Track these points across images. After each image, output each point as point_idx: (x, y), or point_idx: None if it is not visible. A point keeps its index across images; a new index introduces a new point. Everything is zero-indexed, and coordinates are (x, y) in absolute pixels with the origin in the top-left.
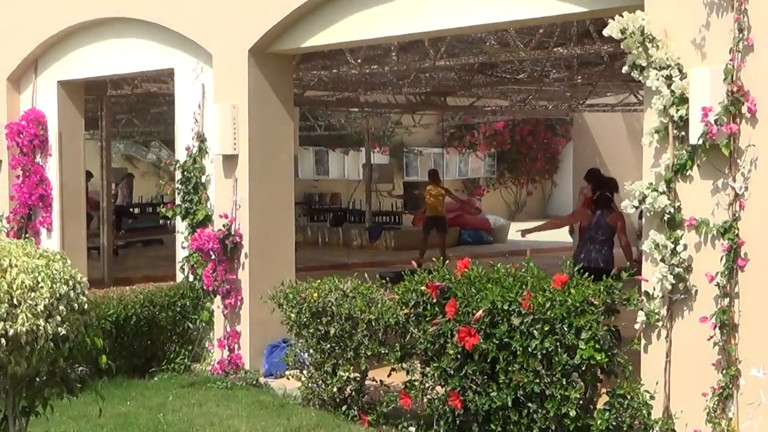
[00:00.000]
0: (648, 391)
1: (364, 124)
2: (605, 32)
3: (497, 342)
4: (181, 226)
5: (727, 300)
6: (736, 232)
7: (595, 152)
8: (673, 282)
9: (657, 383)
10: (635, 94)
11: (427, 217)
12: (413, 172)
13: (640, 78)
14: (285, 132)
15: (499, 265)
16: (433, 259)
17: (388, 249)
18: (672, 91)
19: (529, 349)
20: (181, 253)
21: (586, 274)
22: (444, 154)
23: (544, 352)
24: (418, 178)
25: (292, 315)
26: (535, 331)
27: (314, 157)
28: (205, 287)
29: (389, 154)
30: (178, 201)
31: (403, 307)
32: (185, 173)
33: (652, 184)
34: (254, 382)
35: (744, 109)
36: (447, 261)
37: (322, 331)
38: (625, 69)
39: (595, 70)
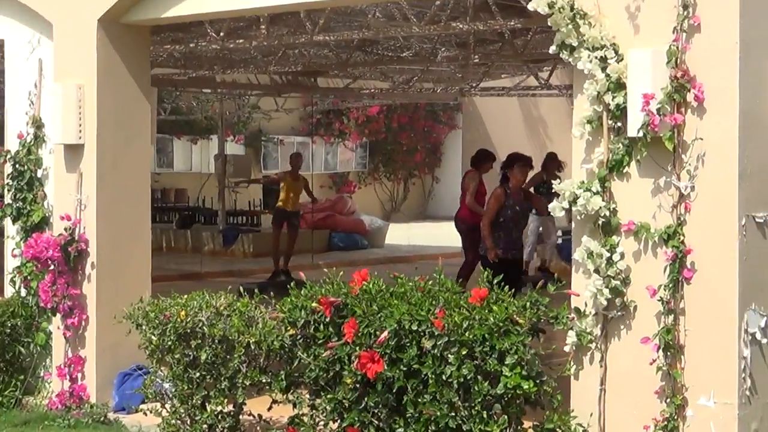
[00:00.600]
0: (581, 425)
1: (217, 108)
2: (530, 6)
3: (405, 369)
4: (11, 230)
5: (671, 317)
6: (681, 238)
7: (487, 142)
8: (609, 296)
9: (591, 415)
10: (535, 76)
11: (278, 209)
12: (273, 164)
13: (570, 59)
14: (141, 117)
15: (403, 277)
16: (325, 269)
17: (246, 255)
18: (607, 75)
19: (443, 377)
20: (11, 263)
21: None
22: (309, 143)
23: (461, 380)
24: (279, 171)
25: (154, 337)
26: (450, 356)
27: (156, 146)
28: (41, 304)
29: (245, 143)
30: (7, 200)
31: (290, 328)
32: (17, 166)
33: (584, 182)
34: (102, 419)
35: (690, 97)
36: (285, 270)
37: (191, 357)
38: (552, 49)
39: (491, 49)
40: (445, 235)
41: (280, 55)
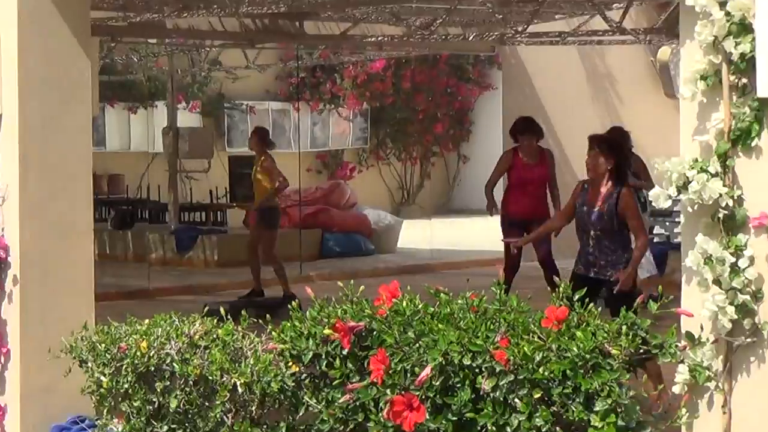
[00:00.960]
0: None
1: (165, 64)
2: None
3: (455, 418)
4: None
5: None
6: None
7: (537, 109)
8: (735, 317)
9: None
10: (603, 16)
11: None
12: (241, 140)
13: None
14: (78, 77)
15: (447, 292)
16: (339, 282)
17: (208, 265)
18: (727, 14)
19: (509, 429)
20: None
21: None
22: (290, 111)
23: None
24: (249, 150)
25: (104, 378)
26: (518, 401)
27: None
28: None
29: (202, 112)
30: None
31: (292, 364)
32: None
33: (697, 161)
34: None
35: None
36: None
37: (156, 404)
38: None
39: None
40: (478, 235)
41: None
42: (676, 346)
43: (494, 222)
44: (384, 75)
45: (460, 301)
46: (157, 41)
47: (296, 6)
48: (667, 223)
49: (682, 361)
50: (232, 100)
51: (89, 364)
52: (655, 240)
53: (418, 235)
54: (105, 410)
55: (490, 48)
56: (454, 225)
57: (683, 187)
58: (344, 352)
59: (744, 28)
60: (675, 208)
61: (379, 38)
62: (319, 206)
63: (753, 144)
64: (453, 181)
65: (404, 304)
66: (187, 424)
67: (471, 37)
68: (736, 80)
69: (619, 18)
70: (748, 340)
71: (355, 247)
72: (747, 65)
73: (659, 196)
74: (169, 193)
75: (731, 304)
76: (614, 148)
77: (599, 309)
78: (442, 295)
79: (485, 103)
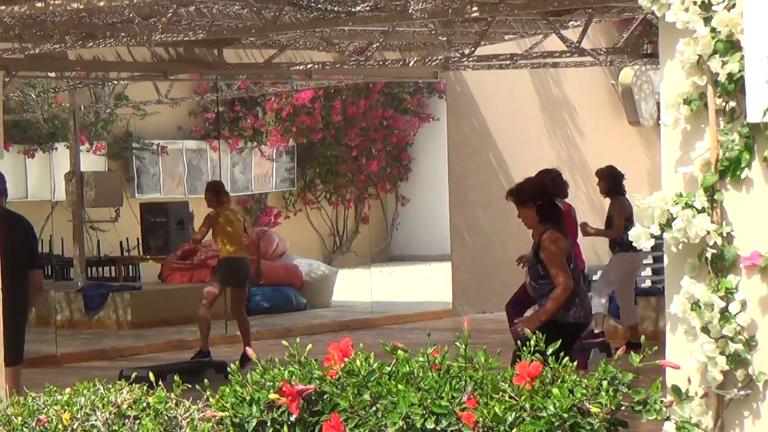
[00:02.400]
0: None
1: (65, 100)
2: None
3: None
4: None
5: None
6: None
7: (486, 142)
8: (726, 368)
9: None
10: (559, 35)
11: (224, 259)
12: (152, 185)
13: (653, 7)
14: None
15: (405, 349)
16: (283, 341)
17: (121, 326)
18: (713, 30)
19: None
20: None
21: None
22: (207, 151)
23: None
24: (162, 196)
25: None
26: None
27: None
28: None
29: (107, 154)
30: None
31: None
32: None
33: (681, 195)
34: None
35: None
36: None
37: None
38: None
39: None
40: (422, 285)
41: (170, 15)
42: (662, 401)
43: (439, 270)
44: (312, 107)
45: (420, 359)
46: (56, 75)
47: (215, 32)
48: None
49: (668, 418)
50: (142, 139)
51: None
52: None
53: (355, 286)
54: None
55: (432, 74)
56: (394, 274)
57: (666, 224)
58: (292, 419)
59: (731, 45)
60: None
61: (308, 66)
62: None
63: (743, 175)
64: (391, 225)
65: (358, 363)
66: None
67: (411, 63)
68: (723, 104)
69: (576, 37)
70: (741, 393)
71: (286, 301)
72: (735, 86)
73: (640, 236)
74: (74, 247)
75: (722, 353)
76: (530, 195)
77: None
78: (399, 352)
79: (426, 137)
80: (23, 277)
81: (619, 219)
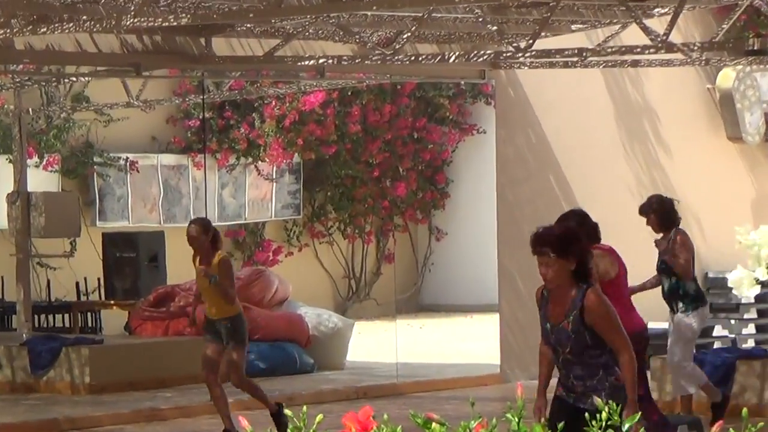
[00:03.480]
0: None
1: (9, 102)
2: None
3: None
4: None
5: None
6: None
7: (547, 160)
8: None
9: None
10: (641, 25)
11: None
12: (118, 211)
13: None
14: None
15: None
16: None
17: (77, 390)
18: None
19: None
20: None
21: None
22: (189, 168)
23: None
24: (131, 224)
25: None
26: None
27: None
28: None
29: (62, 170)
30: None
31: None
32: None
33: None
34: None
35: None
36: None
37: None
38: None
39: None
40: (463, 343)
41: None
42: None
43: (484, 323)
44: (323, 114)
45: None
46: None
47: (203, 16)
48: (733, 322)
49: None
50: (105, 152)
51: None
52: (716, 345)
53: (376, 342)
54: None
55: (478, 73)
56: (425, 327)
57: None
58: None
59: None
60: (742, 301)
61: (320, 61)
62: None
63: None
64: (423, 265)
65: None
66: None
67: (452, 58)
68: None
69: (663, 29)
70: None
71: (288, 361)
72: None
73: (742, 282)
74: (17, 288)
75: None
76: (572, 243)
77: None
78: (435, 425)
79: (468, 153)
80: None
81: (687, 255)
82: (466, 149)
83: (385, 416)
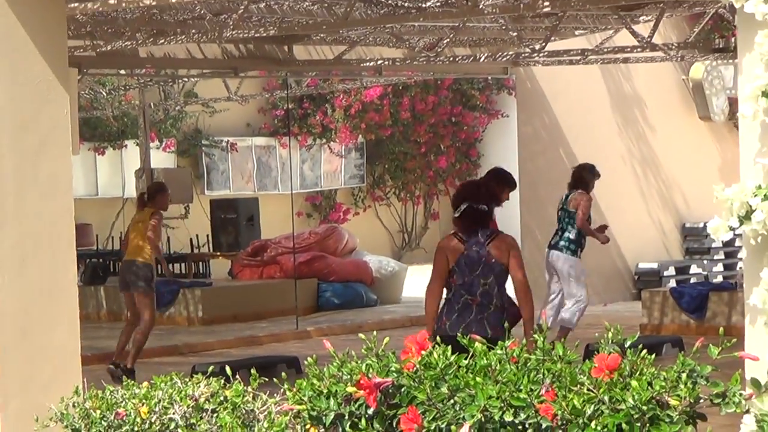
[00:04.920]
0: None
1: (134, 98)
2: None
3: None
4: None
5: None
6: None
7: (557, 138)
8: None
9: None
10: (630, 29)
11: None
12: (222, 182)
13: None
14: (56, 114)
15: (481, 342)
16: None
17: (192, 322)
18: None
19: None
20: None
21: None
22: (276, 148)
23: None
24: (232, 192)
25: None
26: None
27: None
28: None
29: (177, 151)
30: None
31: (311, 426)
32: None
33: (761, 187)
34: None
35: None
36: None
37: None
38: None
39: None
40: None
41: (241, 12)
42: (741, 394)
43: None
44: (380, 104)
45: (498, 351)
46: (126, 72)
47: (286, 28)
48: (705, 262)
49: (747, 411)
50: (211, 136)
51: None
52: (692, 281)
53: (425, 282)
54: None
55: (502, 70)
56: None
57: (745, 216)
58: (370, 412)
59: None
60: (713, 245)
61: (378, 62)
62: (313, 253)
63: None
64: None
65: (435, 356)
66: None
67: (482, 58)
68: None
69: (647, 32)
70: None
71: (356, 297)
72: None
73: (719, 229)
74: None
75: None
76: None
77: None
78: (477, 344)
79: (494, 133)
80: None
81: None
82: (493, 130)
83: (438, 338)
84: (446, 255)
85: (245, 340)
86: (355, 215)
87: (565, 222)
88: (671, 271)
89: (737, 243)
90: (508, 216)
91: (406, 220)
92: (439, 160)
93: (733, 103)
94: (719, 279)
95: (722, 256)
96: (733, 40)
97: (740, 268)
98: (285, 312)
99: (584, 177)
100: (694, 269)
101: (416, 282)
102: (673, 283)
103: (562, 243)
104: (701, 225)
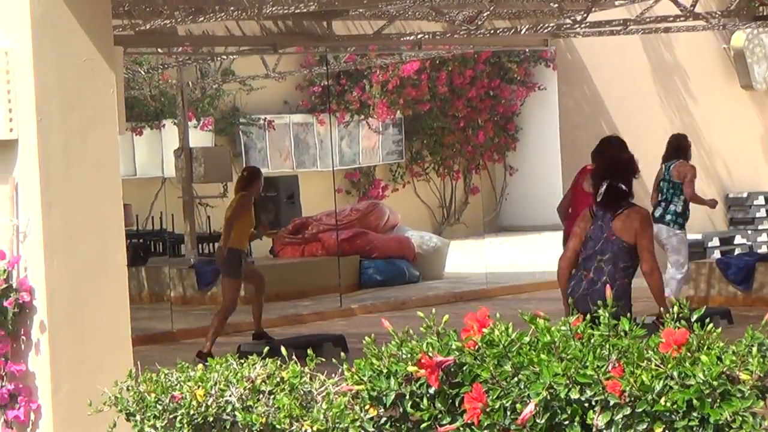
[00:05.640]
0: None
1: (171, 77)
2: None
3: None
4: None
5: None
6: None
7: (599, 110)
8: None
9: None
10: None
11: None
12: (260, 160)
13: None
14: (102, 93)
15: (545, 317)
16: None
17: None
18: None
19: None
20: None
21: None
22: (314, 124)
23: None
24: (270, 170)
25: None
26: None
27: None
28: None
29: (215, 130)
30: None
31: (371, 407)
32: None
33: None
34: None
35: None
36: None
37: None
38: None
39: None
40: (534, 255)
41: None
42: None
43: (552, 240)
44: (418, 79)
45: (563, 328)
46: (163, 51)
47: (326, 3)
48: (750, 232)
49: None
50: (248, 114)
51: (137, 417)
52: (737, 252)
53: (467, 257)
54: None
55: (542, 42)
56: (505, 245)
57: None
58: (432, 391)
59: None
60: (757, 215)
61: (418, 36)
62: (355, 230)
63: None
64: (500, 195)
65: (497, 333)
66: None
67: (523, 31)
68: None
69: (688, 1)
70: None
71: (399, 274)
72: None
73: None
74: (184, 223)
75: None
76: None
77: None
78: (539, 320)
79: (532, 106)
80: None
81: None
82: (531, 103)
83: (498, 315)
84: (581, 226)
85: (289, 319)
86: (394, 191)
87: (669, 193)
88: (716, 242)
89: None
90: (549, 186)
91: (446, 196)
92: (477, 135)
93: None
94: (764, 249)
95: (767, 226)
96: None
97: None
98: (328, 290)
99: (683, 145)
100: (738, 239)
101: (457, 257)
102: (718, 254)
103: (669, 217)
104: (745, 195)
